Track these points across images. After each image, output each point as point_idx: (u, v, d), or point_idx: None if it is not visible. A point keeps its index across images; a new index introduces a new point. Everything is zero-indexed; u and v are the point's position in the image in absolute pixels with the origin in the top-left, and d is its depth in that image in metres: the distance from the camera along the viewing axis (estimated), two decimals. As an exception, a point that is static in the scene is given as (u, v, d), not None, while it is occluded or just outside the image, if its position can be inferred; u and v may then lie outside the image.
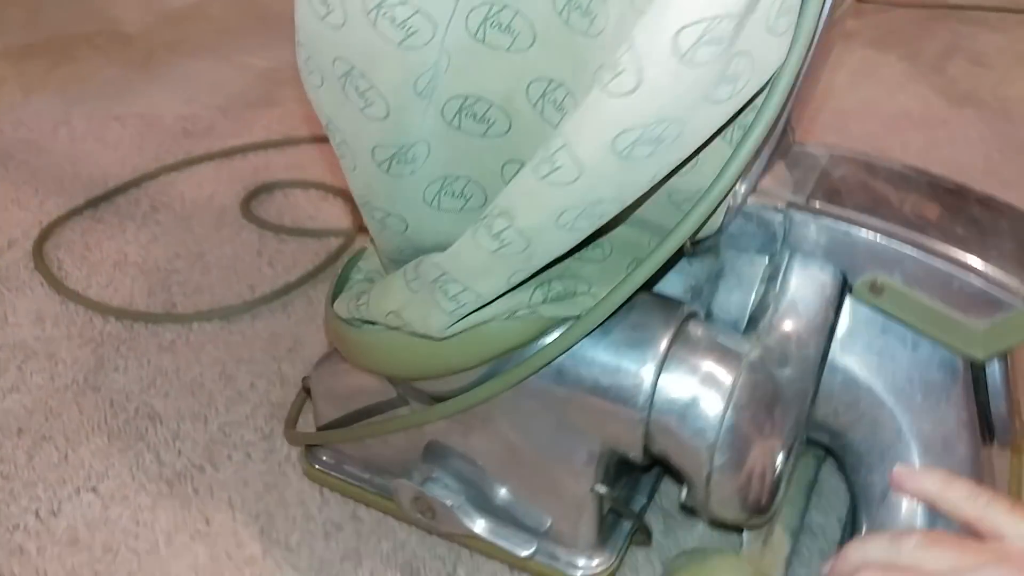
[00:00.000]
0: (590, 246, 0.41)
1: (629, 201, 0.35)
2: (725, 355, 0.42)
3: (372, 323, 0.44)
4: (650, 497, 0.53)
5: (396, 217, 0.40)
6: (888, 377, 0.46)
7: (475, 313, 0.40)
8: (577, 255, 0.41)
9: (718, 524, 0.55)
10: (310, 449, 0.55)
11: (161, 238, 0.78)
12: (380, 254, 0.45)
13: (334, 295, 0.47)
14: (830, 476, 0.58)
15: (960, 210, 0.47)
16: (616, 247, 0.42)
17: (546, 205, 0.35)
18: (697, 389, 0.41)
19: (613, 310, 0.40)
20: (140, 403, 0.62)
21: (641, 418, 0.41)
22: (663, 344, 0.42)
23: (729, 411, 0.41)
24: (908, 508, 0.45)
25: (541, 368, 0.42)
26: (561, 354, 0.41)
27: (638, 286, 0.39)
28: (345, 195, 0.83)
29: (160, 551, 0.53)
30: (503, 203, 0.36)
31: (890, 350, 0.46)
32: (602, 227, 0.37)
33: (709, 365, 0.41)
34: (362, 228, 0.79)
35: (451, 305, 0.39)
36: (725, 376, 0.41)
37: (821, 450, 0.56)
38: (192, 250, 0.76)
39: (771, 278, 0.46)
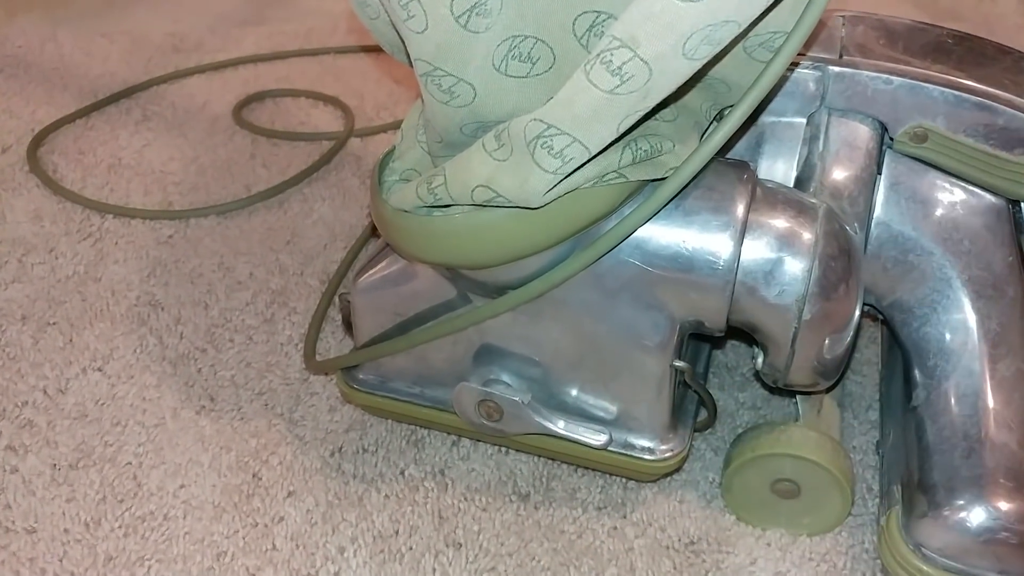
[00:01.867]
0: (661, 107, 0.40)
1: (748, 22, 0.34)
2: (802, 208, 0.42)
3: (446, 207, 0.41)
4: (706, 370, 0.53)
5: (466, 84, 0.38)
6: (933, 226, 0.47)
7: (569, 178, 0.38)
8: (654, 114, 0.40)
9: (777, 392, 0.56)
10: (348, 372, 0.52)
11: (154, 143, 0.78)
12: (432, 138, 0.43)
13: (383, 194, 0.44)
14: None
15: (980, 53, 0.48)
16: (681, 112, 0.42)
17: (675, 27, 0.33)
18: (781, 246, 0.41)
19: (702, 166, 0.38)
20: (141, 292, 0.63)
21: (726, 284, 0.41)
22: (741, 206, 0.41)
23: (815, 263, 0.41)
24: (967, 356, 0.46)
25: (627, 237, 0.40)
26: (649, 219, 0.40)
27: (726, 139, 0.38)
28: (335, 102, 0.84)
29: (167, 425, 0.54)
30: (624, 32, 0.34)
31: (934, 199, 0.47)
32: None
33: (789, 220, 0.41)
34: (354, 132, 0.80)
35: (555, 163, 0.37)
36: (807, 229, 0.41)
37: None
38: (186, 154, 0.77)
39: (813, 139, 0.47)
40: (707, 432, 0.54)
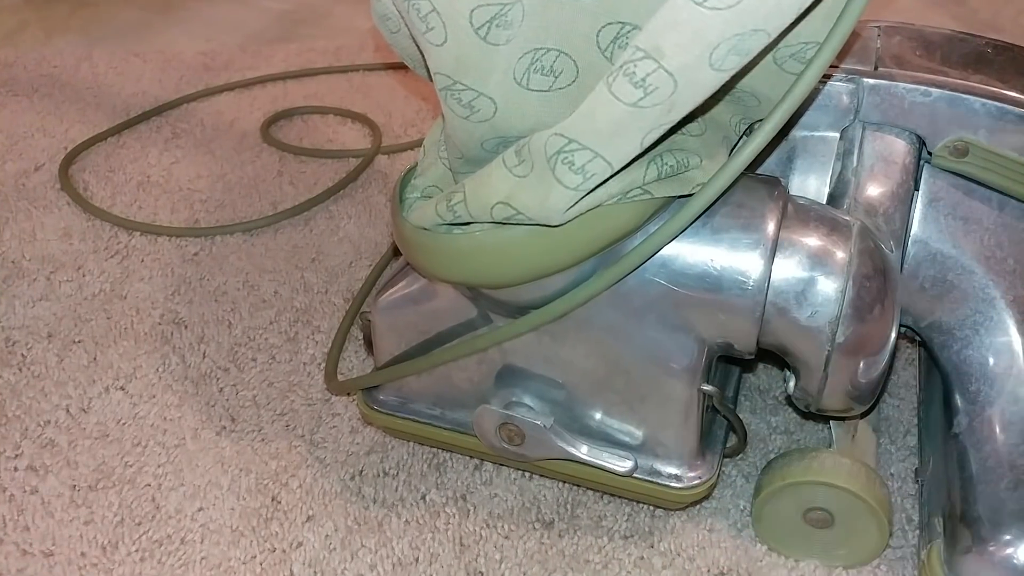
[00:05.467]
0: (688, 120, 0.39)
1: (778, 32, 0.33)
2: (836, 226, 0.40)
3: (466, 225, 0.41)
4: (736, 394, 0.52)
5: (486, 99, 0.37)
6: (976, 244, 0.45)
7: (591, 195, 0.37)
8: (680, 128, 0.39)
9: (810, 417, 0.54)
10: (368, 392, 0.50)
11: (183, 161, 0.78)
12: (452, 155, 0.42)
13: (403, 211, 0.43)
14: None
15: (1019, 62, 0.46)
16: (709, 125, 0.40)
17: (702, 36, 0.32)
18: (814, 265, 0.39)
19: (731, 181, 0.37)
20: (165, 310, 0.63)
21: (756, 304, 0.40)
22: (772, 223, 0.40)
23: (849, 283, 0.39)
24: (1012, 381, 0.44)
25: (653, 255, 0.39)
26: (675, 236, 0.39)
27: (756, 154, 0.36)
28: (363, 119, 0.83)
29: (187, 446, 0.53)
30: (648, 42, 0.33)
31: (976, 215, 0.45)
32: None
33: (822, 238, 0.40)
34: (381, 149, 0.79)
35: (576, 179, 0.36)
36: (841, 247, 0.40)
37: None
38: (214, 171, 0.77)
39: (847, 153, 0.45)
40: (738, 458, 0.53)
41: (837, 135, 0.46)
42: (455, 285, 0.44)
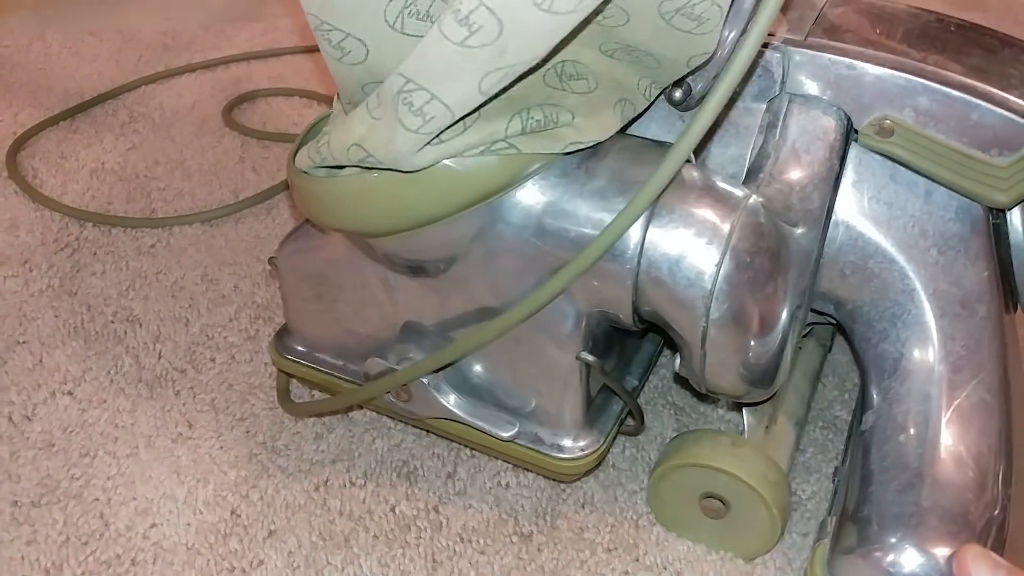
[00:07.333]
0: (573, 76, 0.38)
1: None
2: (721, 198, 0.38)
3: (337, 169, 0.40)
4: (642, 380, 0.50)
5: (355, 40, 0.35)
6: (898, 231, 0.42)
7: (446, 143, 0.36)
8: (560, 83, 0.37)
9: (705, 399, 0.53)
10: (280, 337, 0.50)
11: (140, 146, 0.74)
12: (344, 99, 0.40)
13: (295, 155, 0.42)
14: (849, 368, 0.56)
15: (975, 43, 0.43)
16: (602, 84, 0.38)
17: None
18: (691, 236, 0.37)
19: (680, 164, 0.36)
20: (119, 307, 0.59)
21: (629, 272, 0.38)
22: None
23: (726, 258, 0.37)
24: (923, 379, 0.41)
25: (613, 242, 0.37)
26: (633, 222, 0.37)
27: (700, 137, 0.35)
28: (330, 101, 0.79)
29: (140, 455, 0.50)
30: None
31: (900, 201, 0.42)
32: (583, 62, 0.33)
33: (703, 210, 0.38)
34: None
35: (416, 121, 0.34)
36: (721, 220, 0.37)
37: (828, 338, 0.53)
38: (172, 157, 0.73)
39: (770, 126, 0.42)
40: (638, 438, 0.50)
41: (763, 106, 0.43)
42: (345, 234, 0.43)
